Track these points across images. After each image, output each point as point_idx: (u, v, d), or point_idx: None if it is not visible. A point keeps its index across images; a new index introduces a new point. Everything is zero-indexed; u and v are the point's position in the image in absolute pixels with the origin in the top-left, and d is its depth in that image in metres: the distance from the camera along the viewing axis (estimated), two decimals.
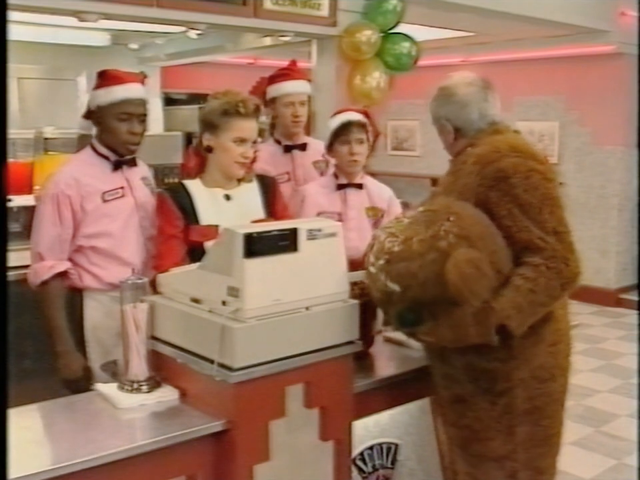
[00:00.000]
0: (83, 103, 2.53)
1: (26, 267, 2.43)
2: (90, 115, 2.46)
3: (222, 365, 1.74)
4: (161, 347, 1.97)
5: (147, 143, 2.51)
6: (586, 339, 5.64)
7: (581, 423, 4.11)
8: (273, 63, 5.65)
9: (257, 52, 6.66)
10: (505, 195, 1.91)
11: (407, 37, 4.52)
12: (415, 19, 4.75)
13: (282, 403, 1.83)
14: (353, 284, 2.02)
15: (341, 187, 2.84)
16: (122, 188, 2.45)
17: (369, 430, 2.21)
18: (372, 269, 1.90)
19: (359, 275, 2.04)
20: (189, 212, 2.29)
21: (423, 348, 2.16)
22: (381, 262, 1.86)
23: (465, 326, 1.83)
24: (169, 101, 7.70)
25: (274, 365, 1.79)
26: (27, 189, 3.96)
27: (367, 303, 2.06)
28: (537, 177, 1.94)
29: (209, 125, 2.31)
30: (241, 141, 2.29)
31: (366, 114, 2.85)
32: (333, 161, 2.89)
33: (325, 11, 4.31)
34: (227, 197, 2.36)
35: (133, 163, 2.51)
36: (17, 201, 3.63)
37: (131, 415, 1.85)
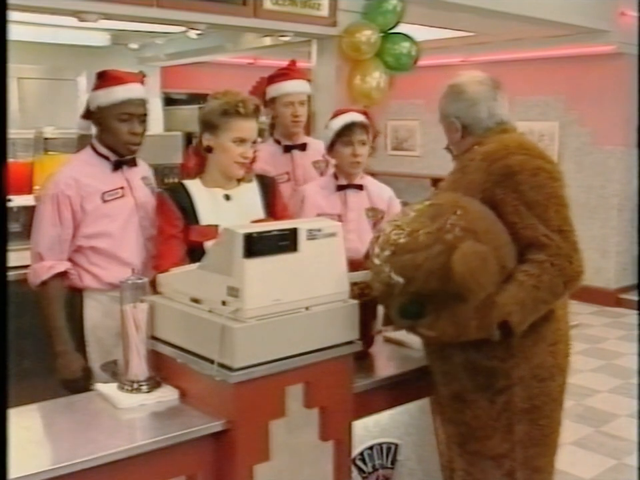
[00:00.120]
0: (83, 103, 2.53)
1: (26, 267, 2.43)
2: (89, 115, 2.45)
3: (222, 365, 1.74)
4: (160, 346, 1.97)
5: (147, 143, 2.51)
6: (586, 339, 5.64)
7: (580, 423, 4.12)
8: (272, 62, 5.65)
9: (257, 52, 6.66)
10: (512, 191, 1.92)
11: (406, 37, 4.52)
12: (415, 18, 4.75)
13: (282, 402, 1.83)
14: (353, 284, 2.02)
15: (340, 187, 2.84)
16: (122, 188, 2.45)
17: (368, 430, 2.21)
18: (376, 261, 1.90)
19: (359, 275, 2.04)
20: (188, 212, 2.29)
21: (423, 345, 2.16)
22: (386, 253, 1.87)
23: (467, 320, 1.84)
24: (169, 101, 7.70)
25: (274, 364, 1.79)
26: (27, 189, 3.96)
27: (367, 303, 2.06)
28: (543, 176, 1.95)
29: (208, 125, 2.31)
30: (241, 141, 2.29)
31: (366, 114, 2.85)
32: (333, 161, 2.88)
33: (324, 11, 4.31)
34: (227, 197, 2.36)
35: (133, 162, 2.51)
36: (17, 201, 3.63)
37: (130, 414, 1.85)
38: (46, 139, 4.40)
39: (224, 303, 1.78)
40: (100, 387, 2.00)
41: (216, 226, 2.24)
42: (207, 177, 2.37)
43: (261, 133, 2.42)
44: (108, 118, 2.38)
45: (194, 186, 2.35)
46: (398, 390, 2.20)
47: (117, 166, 2.46)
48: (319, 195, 2.84)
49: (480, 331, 1.86)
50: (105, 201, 2.40)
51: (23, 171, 4.04)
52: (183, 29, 4.63)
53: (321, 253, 1.87)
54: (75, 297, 2.43)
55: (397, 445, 2.29)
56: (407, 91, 6.92)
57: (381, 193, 2.90)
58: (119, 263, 2.38)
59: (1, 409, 1.09)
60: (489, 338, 1.87)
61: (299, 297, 1.85)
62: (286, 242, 1.80)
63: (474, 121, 2.10)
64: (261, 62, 7.60)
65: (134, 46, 6.84)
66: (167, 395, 1.92)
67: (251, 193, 2.42)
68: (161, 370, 1.97)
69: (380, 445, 2.25)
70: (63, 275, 2.39)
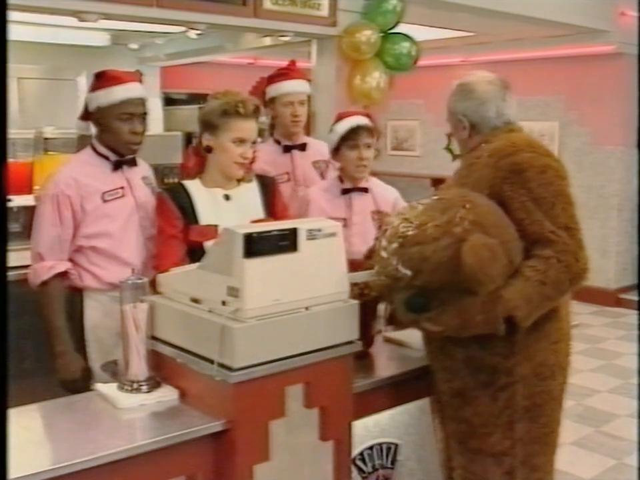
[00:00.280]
0: (82, 103, 2.53)
1: (26, 267, 2.43)
2: (88, 116, 2.45)
3: (222, 365, 1.74)
4: (160, 346, 1.97)
5: (147, 143, 2.51)
6: (586, 339, 5.64)
7: (580, 423, 4.12)
8: (272, 62, 5.65)
9: (257, 52, 6.66)
10: (520, 188, 1.94)
11: (406, 37, 4.52)
12: (415, 19, 4.76)
13: (282, 402, 1.83)
14: (353, 284, 2.02)
15: (345, 191, 2.83)
16: (122, 188, 2.45)
17: (368, 430, 2.20)
18: (383, 253, 1.90)
19: (359, 276, 2.04)
20: (188, 212, 2.29)
21: (424, 342, 2.16)
22: (394, 246, 1.87)
23: (473, 313, 1.84)
24: (169, 101, 7.70)
25: (274, 364, 1.79)
26: (27, 189, 3.96)
27: (367, 303, 2.06)
28: (551, 173, 1.98)
29: (208, 125, 2.31)
30: (240, 141, 2.29)
31: (369, 116, 2.84)
32: (337, 164, 2.87)
33: (324, 11, 4.31)
34: (227, 197, 2.36)
35: (133, 162, 2.51)
36: (17, 201, 3.63)
37: (130, 414, 1.85)
38: (46, 138, 4.40)
39: (224, 303, 1.78)
40: (100, 386, 2.00)
41: (216, 226, 2.24)
42: (207, 177, 2.37)
43: (260, 133, 2.42)
44: (108, 118, 2.38)
45: (194, 186, 2.35)
46: (398, 390, 2.20)
47: (117, 166, 2.46)
48: (322, 198, 2.83)
49: (486, 326, 1.86)
50: (105, 201, 2.40)
51: (23, 170, 4.04)
52: (182, 28, 4.64)
53: (320, 253, 1.87)
54: (75, 296, 2.43)
55: (396, 445, 2.29)
56: (407, 91, 6.91)
57: (386, 196, 2.89)
58: (119, 262, 2.38)
59: (1, 409, 1.09)
60: (494, 333, 1.88)
61: (299, 296, 1.85)
62: (286, 242, 1.80)
63: (482, 120, 2.12)
64: (261, 62, 7.60)
65: (134, 46, 6.84)
66: (167, 394, 1.92)
67: (250, 193, 2.42)
68: (161, 370, 1.97)
69: (380, 445, 2.25)
70: (63, 275, 2.39)
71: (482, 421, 2.01)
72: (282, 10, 4.09)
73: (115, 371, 2.10)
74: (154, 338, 1.98)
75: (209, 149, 2.33)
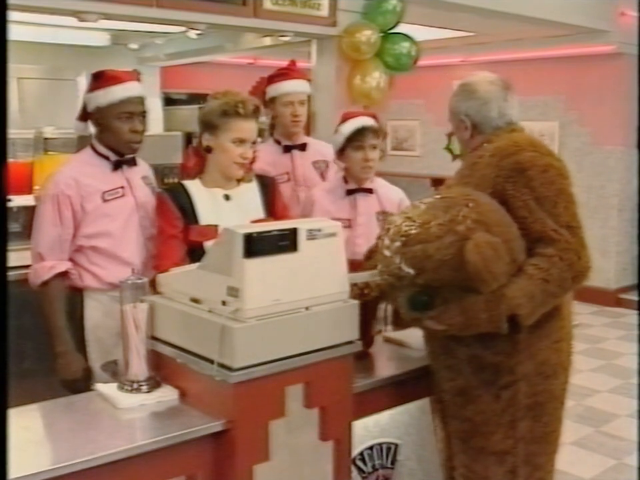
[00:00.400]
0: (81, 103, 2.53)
1: (26, 267, 2.43)
2: (87, 116, 2.45)
3: (222, 365, 1.74)
4: (160, 346, 1.97)
5: (147, 143, 2.51)
6: (586, 339, 5.65)
7: (580, 423, 4.12)
8: (272, 62, 5.65)
9: (257, 52, 6.66)
10: (522, 187, 1.95)
11: (406, 37, 4.53)
12: (415, 19, 4.76)
13: (282, 402, 1.83)
14: (353, 284, 2.02)
15: (350, 192, 2.82)
16: (122, 188, 2.45)
17: (368, 430, 2.20)
18: (386, 252, 1.90)
19: (359, 276, 2.04)
20: (188, 212, 2.29)
21: (425, 341, 2.16)
22: (397, 244, 1.87)
23: (476, 312, 1.85)
24: (169, 101, 7.70)
25: (274, 364, 1.79)
26: (27, 189, 3.96)
27: (367, 303, 2.06)
28: (553, 172, 1.99)
29: (208, 125, 2.31)
30: (240, 141, 2.29)
31: (374, 117, 2.83)
32: (341, 165, 2.86)
33: (324, 11, 4.31)
34: (227, 197, 2.36)
35: (132, 162, 2.51)
36: (17, 200, 3.63)
37: (130, 415, 1.85)
38: (46, 139, 4.40)
39: (224, 303, 1.78)
40: (100, 386, 2.00)
41: (216, 226, 2.25)
42: (207, 177, 2.37)
43: (260, 133, 2.42)
44: (108, 118, 2.38)
45: (194, 186, 2.35)
46: (398, 390, 2.20)
47: (117, 165, 2.46)
48: (326, 199, 2.83)
49: (489, 324, 1.87)
50: (105, 201, 2.40)
51: (22, 170, 4.04)
52: (182, 29, 4.64)
53: (321, 253, 1.87)
54: (76, 296, 2.43)
55: (396, 445, 2.29)
56: (407, 91, 6.92)
57: (391, 196, 2.87)
58: (119, 262, 2.38)
59: (1, 409, 1.09)
60: (498, 331, 1.88)
61: (299, 296, 1.85)
62: (286, 242, 1.80)
63: (484, 120, 2.13)
64: (261, 62, 7.60)
65: (134, 46, 6.84)
66: (167, 394, 1.92)
67: (250, 193, 2.42)
68: (161, 370, 1.97)
69: (380, 445, 2.25)
70: (64, 274, 2.39)
71: (484, 419, 2.01)
72: (282, 10, 4.09)
73: (115, 371, 2.10)
74: (154, 338, 1.98)
75: (208, 149, 2.33)
